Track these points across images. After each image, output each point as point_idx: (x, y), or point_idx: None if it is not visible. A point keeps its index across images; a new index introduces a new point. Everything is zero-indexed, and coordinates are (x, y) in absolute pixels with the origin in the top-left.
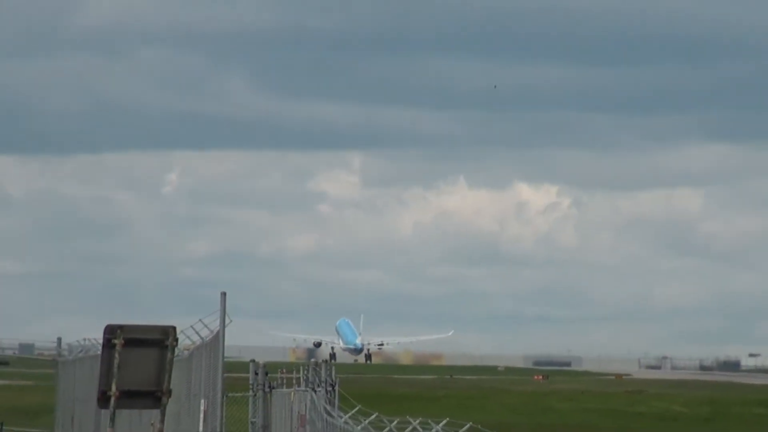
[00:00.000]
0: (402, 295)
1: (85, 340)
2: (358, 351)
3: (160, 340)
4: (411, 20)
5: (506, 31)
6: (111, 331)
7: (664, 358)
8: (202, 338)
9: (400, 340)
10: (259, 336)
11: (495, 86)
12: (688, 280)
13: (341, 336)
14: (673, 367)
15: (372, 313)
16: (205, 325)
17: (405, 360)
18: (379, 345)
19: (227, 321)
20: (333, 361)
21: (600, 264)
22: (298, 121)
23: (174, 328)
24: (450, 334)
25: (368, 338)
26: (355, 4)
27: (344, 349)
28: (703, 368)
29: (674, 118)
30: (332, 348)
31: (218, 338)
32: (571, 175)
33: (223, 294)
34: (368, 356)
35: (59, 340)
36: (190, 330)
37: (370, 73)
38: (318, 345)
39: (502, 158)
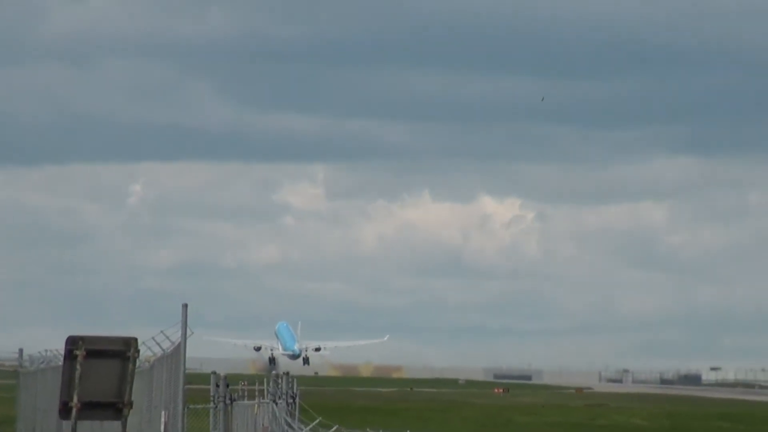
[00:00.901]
0: (365, 307)
1: (47, 351)
2: (295, 356)
3: (122, 351)
4: (377, 32)
5: (472, 43)
6: (72, 342)
7: (625, 371)
8: (163, 350)
9: (336, 344)
10: (221, 348)
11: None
12: (651, 292)
13: (280, 340)
14: (634, 381)
15: (335, 324)
16: (167, 337)
17: (365, 372)
18: (315, 349)
19: (189, 333)
20: (273, 365)
21: (563, 276)
22: (264, 132)
23: (135, 339)
24: (385, 338)
25: (306, 343)
26: (321, 16)
27: (283, 354)
28: (663, 382)
29: (639, 131)
30: (271, 352)
31: (179, 350)
32: (535, 188)
33: (185, 306)
34: (306, 360)
35: (21, 351)
36: (152, 341)
37: (336, 84)
38: (258, 349)
39: (467, 171)
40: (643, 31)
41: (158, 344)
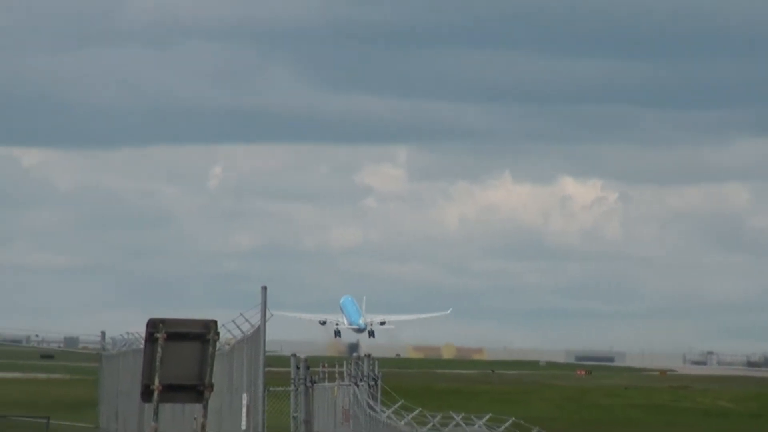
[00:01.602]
0: (445, 289)
1: (128, 333)
2: (360, 330)
3: (202, 334)
4: (457, 13)
5: (554, 24)
6: (153, 325)
7: (710, 353)
8: (243, 332)
9: (401, 318)
10: (301, 329)
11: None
12: (735, 274)
13: (345, 315)
14: (719, 363)
15: (415, 306)
16: (247, 320)
17: (447, 354)
18: (381, 323)
19: (268, 315)
20: (338, 337)
21: (646, 258)
22: (345, 114)
23: (215, 322)
24: (449, 312)
25: (370, 317)
26: None
27: (348, 327)
28: (750, 364)
29: (723, 111)
30: (337, 325)
31: (259, 332)
32: (617, 170)
33: (264, 288)
34: (371, 333)
35: (103, 333)
36: (232, 324)
37: (417, 66)
38: (323, 323)
39: (549, 152)
40: (725, 11)
41: (238, 327)
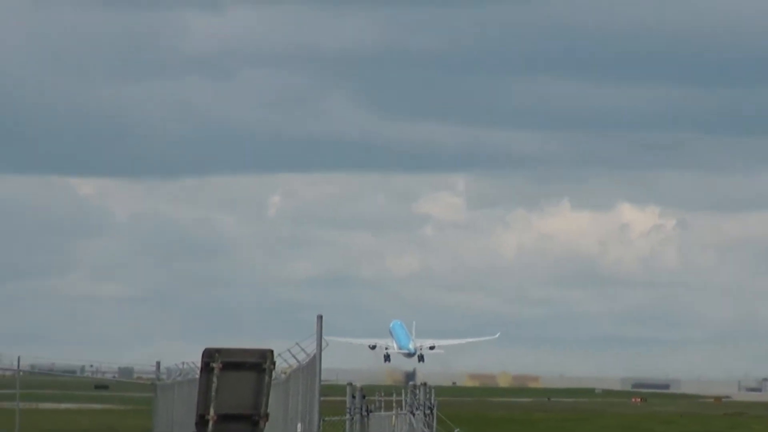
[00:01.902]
0: (503, 317)
1: (183, 363)
2: (411, 354)
3: (258, 363)
4: (515, 42)
5: (610, 51)
6: (209, 355)
7: (765, 380)
8: (299, 361)
9: (450, 343)
10: (357, 358)
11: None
12: None
13: (395, 339)
14: None
15: (471, 334)
16: (302, 349)
17: (503, 382)
18: (430, 347)
19: (324, 344)
20: (388, 362)
21: (702, 285)
22: (403, 142)
23: (272, 351)
24: (497, 336)
25: (420, 341)
26: (460, 25)
27: (398, 352)
28: None
29: None
30: (386, 350)
31: (315, 361)
32: (675, 197)
33: (320, 317)
34: (421, 357)
35: (158, 363)
36: (287, 353)
37: (475, 94)
38: (373, 347)
39: (607, 179)
40: None
41: (294, 356)
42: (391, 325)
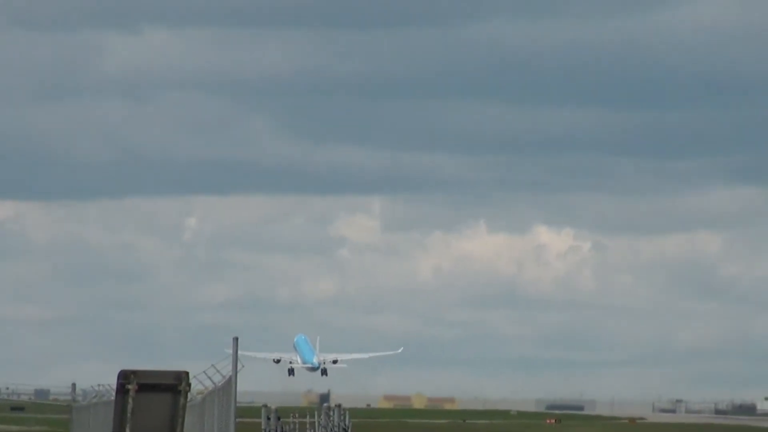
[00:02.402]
0: (419, 339)
1: (99, 385)
2: (314, 369)
3: (174, 385)
4: (432, 65)
5: (527, 75)
6: (125, 377)
7: (678, 401)
8: (214, 383)
9: (353, 356)
10: (272, 381)
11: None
12: (706, 323)
13: (299, 353)
14: (688, 411)
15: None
16: (218, 371)
17: (418, 404)
18: (333, 361)
19: (239, 366)
20: (292, 375)
21: (618, 307)
22: (320, 165)
23: (187, 373)
24: (400, 350)
25: (323, 356)
26: (377, 50)
27: (302, 366)
28: (718, 412)
29: (696, 161)
30: (291, 364)
31: (231, 383)
32: (591, 219)
33: (235, 339)
34: (324, 371)
35: (73, 385)
36: (203, 375)
37: (391, 117)
38: (278, 361)
39: (523, 202)
40: (700, 61)
41: (209, 378)
42: (295, 339)
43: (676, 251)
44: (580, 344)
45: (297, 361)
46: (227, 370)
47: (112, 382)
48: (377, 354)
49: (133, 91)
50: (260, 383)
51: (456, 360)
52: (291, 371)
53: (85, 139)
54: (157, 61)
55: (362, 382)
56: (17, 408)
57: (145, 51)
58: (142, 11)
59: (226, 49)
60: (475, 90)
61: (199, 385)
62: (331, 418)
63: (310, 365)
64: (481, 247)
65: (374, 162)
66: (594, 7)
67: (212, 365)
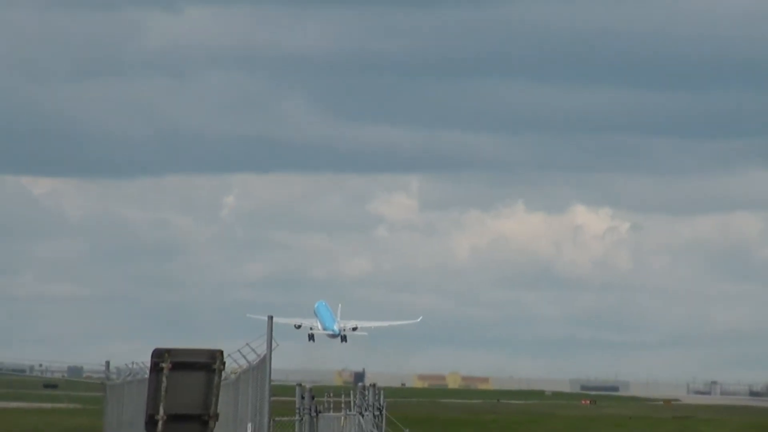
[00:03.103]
0: (455, 319)
1: (133, 363)
2: (335, 335)
3: (208, 363)
4: (471, 45)
5: (566, 54)
6: (158, 355)
7: (713, 383)
8: (249, 362)
9: (372, 324)
10: (307, 359)
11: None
12: (741, 304)
13: (320, 320)
14: (723, 393)
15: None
16: (253, 349)
17: (452, 383)
18: (353, 329)
19: (274, 345)
20: (312, 341)
21: (655, 288)
22: (358, 144)
23: (221, 351)
24: (419, 320)
25: (344, 323)
26: (416, 28)
27: (323, 333)
28: (752, 393)
29: (735, 142)
30: (311, 330)
31: (265, 362)
32: (629, 199)
33: (270, 318)
34: (344, 338)
35: (107, 363)
36: (237, 354)
37: (430, 97)
38: (299, 327)
39: (561, 182)
40: (739, 44)
41: (244, 356)
42: (315, 305)
43: (713, 232)
44: (616, 325)
45: (318, 327)
46: (262, 349)
47: (147, 360)
48: (396, 323)
49: (172, 68)
50: (294, 361)
51: (491, 340)
52: (311, 337)
53: (123, 117)
54: (196, 38)
55: (397, 360)
56: (50, 385)
57: (184, 28)
58: None
59: (264, 28)
60: (514, 70)
61: (233, 363)
62: (366, 398)
63: (331, 332)
64: (519, 226)
65: (412, 141)
66: None
67: (247, 344)
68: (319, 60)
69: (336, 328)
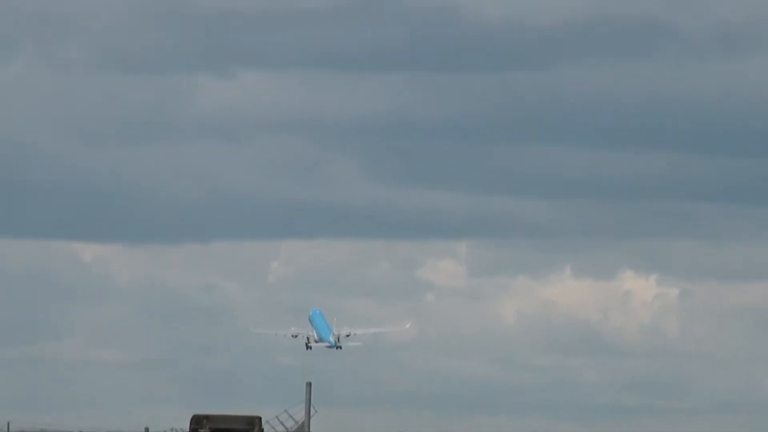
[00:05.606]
0: (501, 384)
1: (172, 429)
2: (331, 347)
3: (246, 430)
4: (519, 110)
5: (614, 120)
6: (197, 421)
7: None
8: (287, 429)
9: (364, 331)
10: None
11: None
12: None
13: (315, 329)
14: None
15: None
16: (291, 416)
17: None
18: (346, 335)
19: (313, 411)
20: (309, 350)
21: (704, 355)
22: (407, 209)
23: (260, 418)
24: (407, 326)
25: (338, 330)
26: (465, 94)
27: (319, 344)
28: None
29: None
30: (307, 339)
31: (303, 428)
32: (677, 266)
33: (309, 384)
34: (338, 347)
35: (146, 429)
36: (275, 420)
37: (478, 161)
38: (295, 336)
39: (609, 248)
40: None
41: (282, 423)
42: (310, 313)
43: (763, 298)
44: (665, 392)
45: (314, 336)
46: (300, 415)
47: (185, 426)
48: (383, 329)
49: (222, 133)
50: (335, 428)
51: (538, 406)
52: (308, 346)
53: (173, 181)
54: (247, 103)
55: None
56: None
57: (236, 93)
58: (234, 54)
59: (316, 92)
60: (561, 135)
61: (271, 430)
62: None
63: (327, 343)
64: (566, 292)
65: (461, 206)
66: (683, 52)
67: (285, 410)
68: (368, 125)
69: (332, 339)
